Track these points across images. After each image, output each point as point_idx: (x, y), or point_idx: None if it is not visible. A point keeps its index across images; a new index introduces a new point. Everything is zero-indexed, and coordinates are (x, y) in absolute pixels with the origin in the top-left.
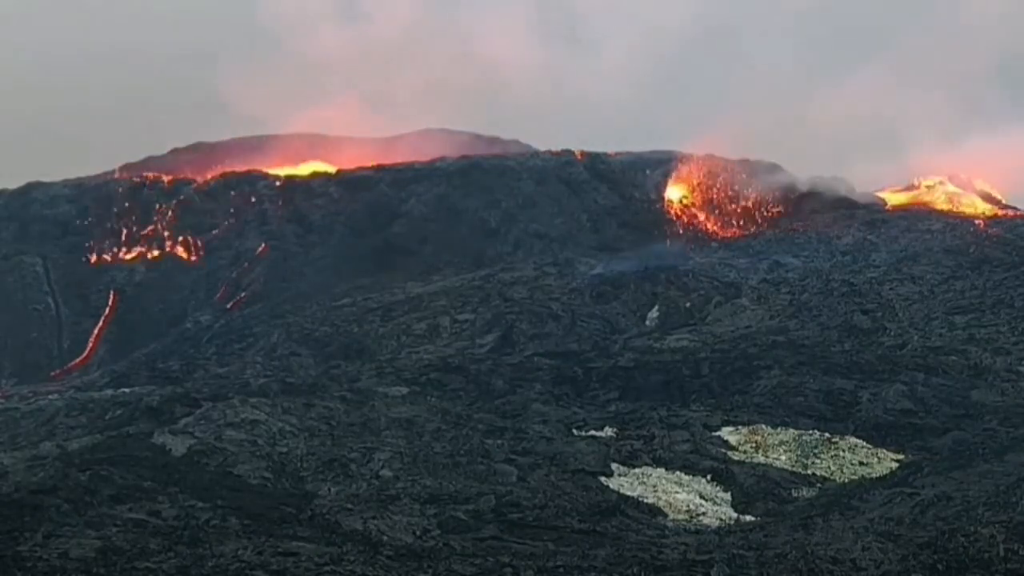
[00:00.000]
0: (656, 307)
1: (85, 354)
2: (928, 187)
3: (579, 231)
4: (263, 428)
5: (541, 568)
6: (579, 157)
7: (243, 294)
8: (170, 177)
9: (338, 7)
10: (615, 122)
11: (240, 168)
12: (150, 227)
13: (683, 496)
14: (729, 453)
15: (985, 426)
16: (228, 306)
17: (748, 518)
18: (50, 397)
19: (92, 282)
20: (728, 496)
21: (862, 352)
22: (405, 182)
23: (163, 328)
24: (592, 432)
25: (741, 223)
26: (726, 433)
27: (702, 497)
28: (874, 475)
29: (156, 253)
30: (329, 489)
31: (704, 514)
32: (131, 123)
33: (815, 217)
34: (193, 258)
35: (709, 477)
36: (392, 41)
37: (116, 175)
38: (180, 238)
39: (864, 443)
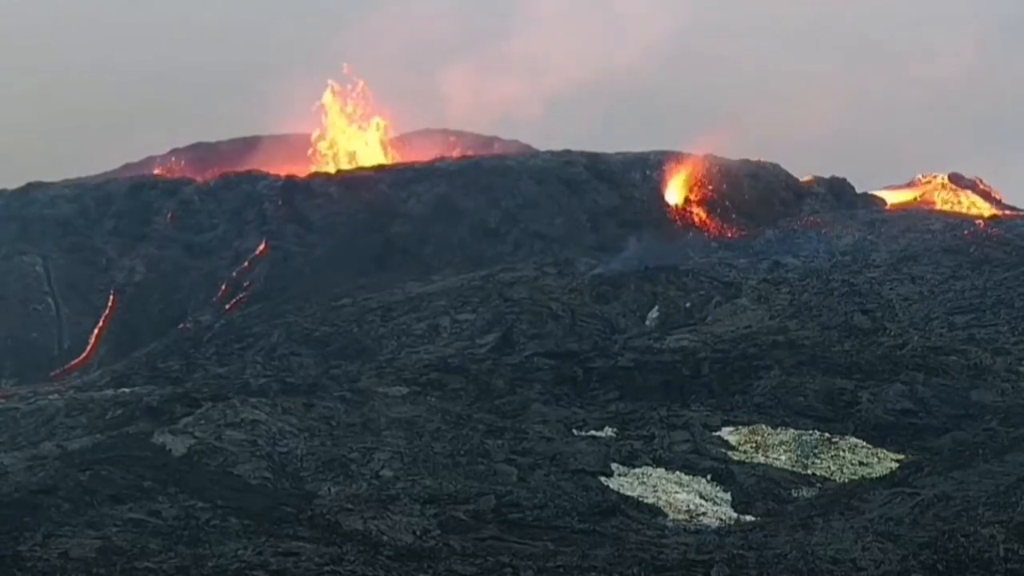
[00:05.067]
0: (656, 307)
1: (85, 354)
2: (928, 182)
3: (579, 231)
4: (263, 428)
5: (541, 568)
6: (579, 157)
7: (243, 294)
8: (170, 177)
9: None
10: (616, 122)
11: (240, 168)
12: (150, 227)
13: (683, 496)
14: (729, 453)
15: (985, 426)
16: (228, 306)
17: (748, 518)
18: (50, 397)
19: (92, 282)
20: (728, 496)
21: (862, 352)
22: (405, 182)
23: (163, 328)
24: (592, 432)
25: (741, 223)
26: (726, 433)
27: (702, 497)
28: (874, 475)
29: (156, 253)
30: (329, 489)
31: (704, 514)
32: (131, 123)
33: (815, 217)
34: (193, 258)
35: (709, 477)
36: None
37: (116, 175)
38: (180, 238)
39: (864, 443)
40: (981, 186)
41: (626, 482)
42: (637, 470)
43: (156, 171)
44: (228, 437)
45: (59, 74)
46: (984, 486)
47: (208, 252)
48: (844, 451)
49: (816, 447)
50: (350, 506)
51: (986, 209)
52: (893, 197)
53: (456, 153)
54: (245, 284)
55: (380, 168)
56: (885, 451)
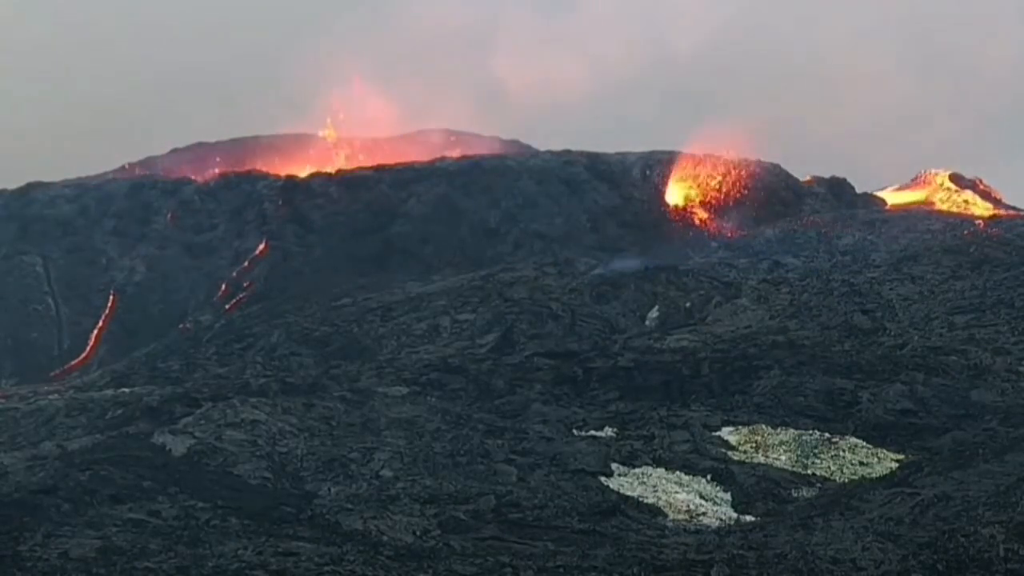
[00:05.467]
0: (656, 307)
1: (85, 354)
2: (931, 180)
3: (579, 231)
4: (263, 428)
5: (541, 568)
6: (579, 157)
7: (243, 294)
8: (170, 177)
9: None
10: (615, 122)
11: (240, 168)
12: (150, 227)
13: (683, 496)
14: (729, 453)
15: (985, 426)
16: (228, 306)
17: (748, 518)
18: (50, 397)
19: (92, 282)
20: (728, 496)
21: (862, 352)
22: (405, 182)
23: (163, 328)
24: (592, 432)
25: (741, 223)
26: (726, 433)
27: (702, 497)
28: (874, 475)
29: (156, 253)
30: (329, 489)
31: (704, 514)
32: (131, 123)
33: (815, 217)
34: (193, 258)
35: (709, 477)
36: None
37: (116, 175)
38: (180, 238)
39: (864, 443)
40: (981, 186)
41: (626, 482)
42: (637, 470)
43: (156, 171)
44: (228, 437)
45: (59, 73)
46: (984, 486)
47: (208, 252)
48: (844, 451)
49: (816, 447)
50: (350, 506)
51: (986, 209)
52: (896, 198)
53: (456, 153)
54: (245, 284)
55: (380, 168)
56: (885, 451)
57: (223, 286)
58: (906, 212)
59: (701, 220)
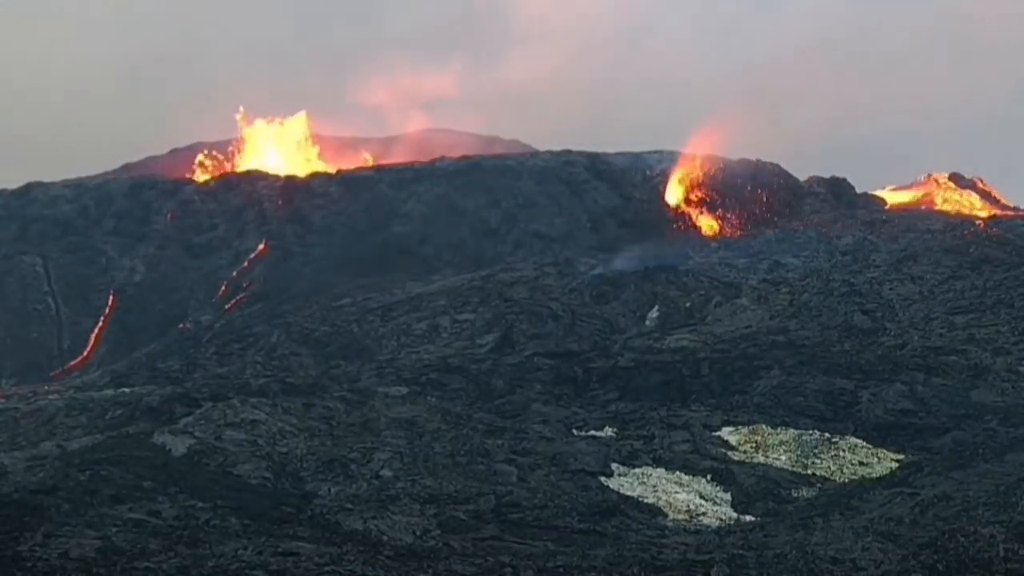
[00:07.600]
0: (656, 307)
1: (85, 354)
2: (930, 183)
3: (579, 231)
4: (263, 428)
5: (541, 568)
6: (579, 157)
7: (243, 294)
8: (170, 177)
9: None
10: (615, 122)
11: (240, 168)
12: (150, 227)
13: (683, 496)
14: (729, 453)
15: (985, 426)
16: (228, 306)
17: (748, 518)
18: (50, 397)
19: (92, 282)
20: (728, 496)
21: (862, 352)
22: (405, 182)
23: (163, 328)
24: (592, 432)
25: (741, 223)
26: (726, 433)
27: (702, 497)
28: (874, 475)
29: (156, 253)
30: (329, 489)
31: (704, 514)
32: (131, 123)
33: (815, 217)
34: (193, 258)
35: (709, 477)
36: None
37: (116, 175)
38: (180, 238)
39: (864, 443)
40: (981, 186)
41: (626, 482)
42: (637, 470)
43: (156, 171)
44: (228, 437)
45: (60, 72)
46: (984, 486)
47: (208, 252)
48: (844, 451)
49: (816, 447)
50: (350, 506)
51: (986, 209)
52: (893, 197)
53: (456, 153)
54: (245, 284)
55: (380, 168)
56: (885, 451)
57: (223, 286)
58: (906, 212)
59: (701, 220)
